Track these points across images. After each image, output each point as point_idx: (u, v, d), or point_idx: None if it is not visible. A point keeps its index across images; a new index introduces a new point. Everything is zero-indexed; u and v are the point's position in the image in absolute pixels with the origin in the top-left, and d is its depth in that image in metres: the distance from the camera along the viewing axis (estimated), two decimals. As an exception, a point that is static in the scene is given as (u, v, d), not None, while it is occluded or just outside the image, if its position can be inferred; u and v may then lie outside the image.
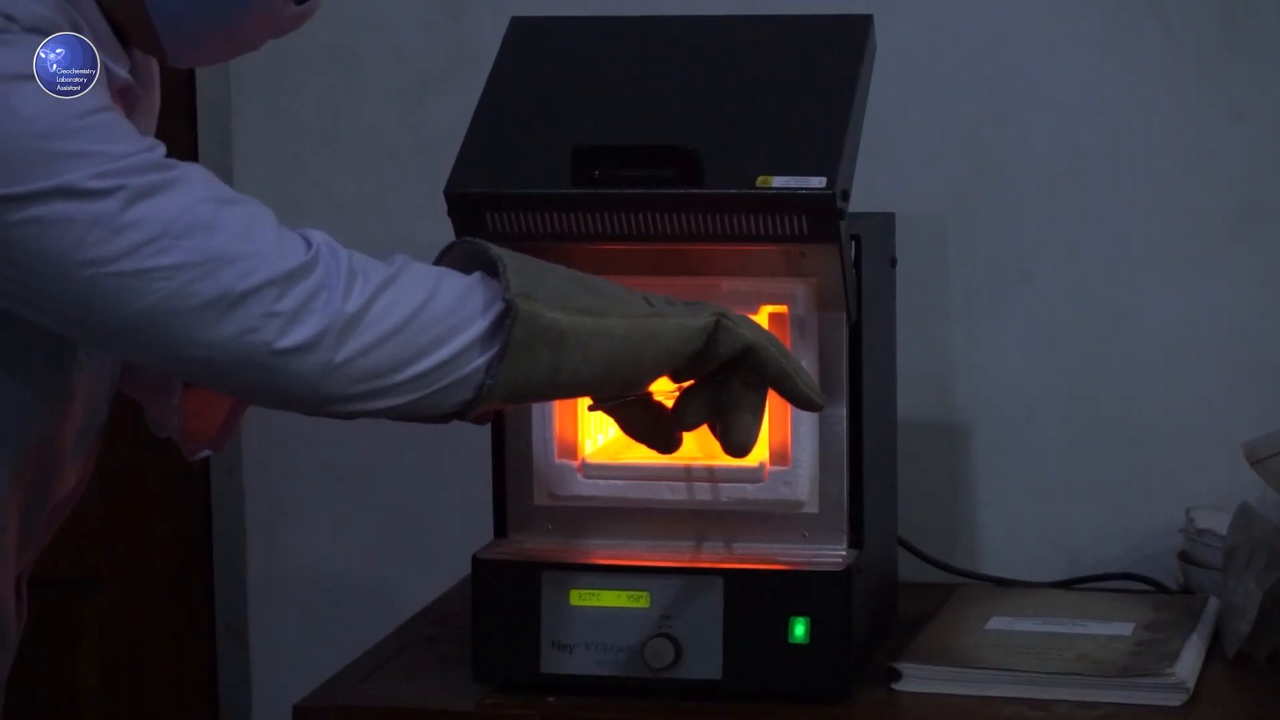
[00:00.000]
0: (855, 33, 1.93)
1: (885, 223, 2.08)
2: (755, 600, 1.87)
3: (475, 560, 1.92)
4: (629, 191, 1.84)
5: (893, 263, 2.10)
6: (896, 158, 2.28)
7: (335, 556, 2.47)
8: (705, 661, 1.87)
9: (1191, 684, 1.88)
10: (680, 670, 1.87)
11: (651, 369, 1.66)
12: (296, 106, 2.46)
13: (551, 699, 1.89)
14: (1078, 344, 2.31)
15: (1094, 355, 2.31)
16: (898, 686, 1.90)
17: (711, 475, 1.93)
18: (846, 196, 1.83)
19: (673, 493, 1.93)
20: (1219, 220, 2.28)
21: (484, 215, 1.87)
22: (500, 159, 1.88)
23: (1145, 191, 2.29)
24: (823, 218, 1.81)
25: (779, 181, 1.81)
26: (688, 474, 1.94)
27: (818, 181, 1.81)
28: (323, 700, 1.93)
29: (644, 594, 1.88)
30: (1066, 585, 2.25)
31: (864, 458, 1.92)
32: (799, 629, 1.86)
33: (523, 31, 1.99)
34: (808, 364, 1.89)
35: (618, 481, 1.94)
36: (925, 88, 2.31)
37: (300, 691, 1.94)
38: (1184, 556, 2.19)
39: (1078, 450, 2.31)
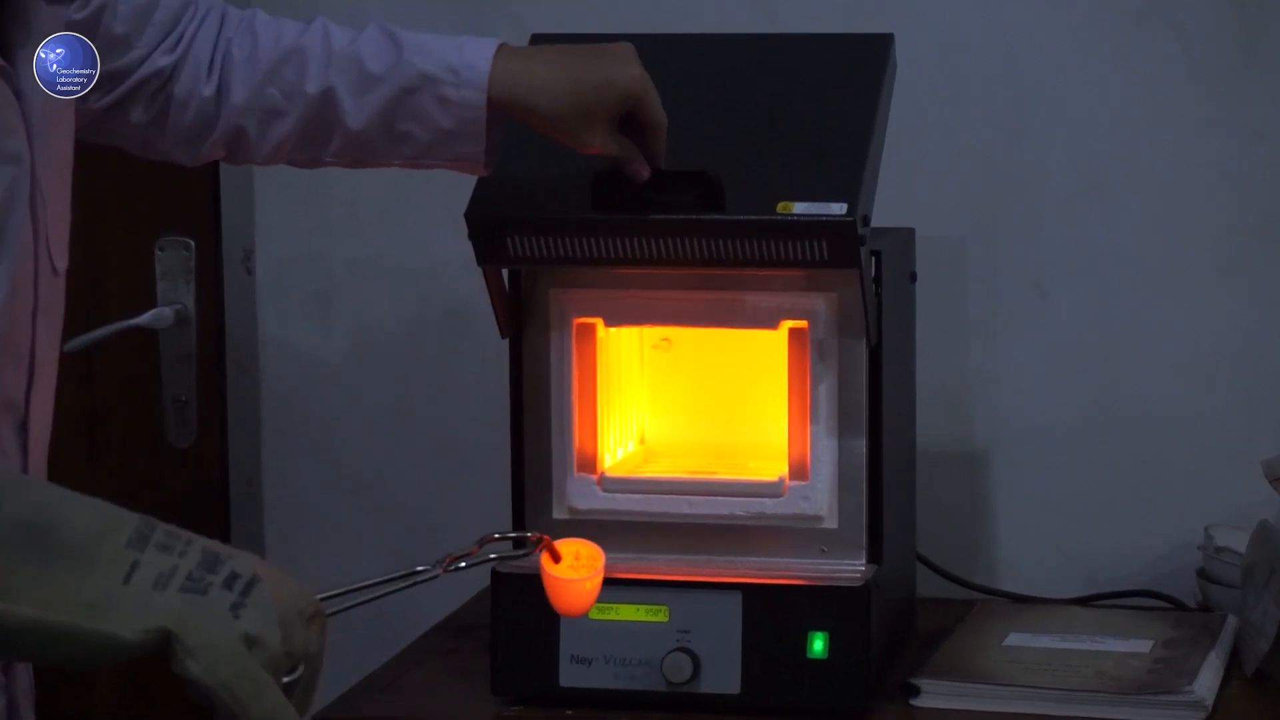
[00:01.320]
0: (876, 52, 1.93)
1: (905, 238, 2.09)
2: (774, 615, 1.87)
3: (494, 573, 1.93)
4: (650, 217, 1.84)
5: (913, 278, 2.10)
6: (914, 174, 2.29)
7: (353, 568, 2.45)
8: (724, 676, 1.87)
9: (1210, 702, 1.88)
10: (699, 684, 1.88)
11: (81, 665, 1.29)
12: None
13: (570, 712, 1.90)
14: (1095, 360, 2.31)
15: (1112, 371, 2.31)
16: (916, 702, 1.90)
17: (730, 490, 1.94)
18: (867, 221, 1.83)
19: (692, 507, 1.94)
20: (1236, 237, 2.28)
21: (505, 239, 1.87)
22: (521, 181, 1.89)
23: (1162, 208, 2.29)
24: (843, 243, 1.82)
25: (800, 208, 1.82)
26: (707, 488, 1.94)
27: (838, 207, 1.81)
28: (341, 712, 1.93)
29: (663, 608, 1.89)
30: (1084, 602, 2.25)
31: (883, 472, 1.92)
32: (818, 644, 1.86)
33: None
34: (827, 385, 1.90)
35: (637, 495, 1.94)
36: (943, 104, 2.31)
37: (318, 703, 1.94)
38: (1203, 574, 2.19)
39: (1095, 466, 2.31)
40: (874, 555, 1.92)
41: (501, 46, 1.78)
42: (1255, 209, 2.27)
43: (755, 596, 1.87)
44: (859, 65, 1.92)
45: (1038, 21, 2.30)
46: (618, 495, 1.94)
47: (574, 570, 1.61)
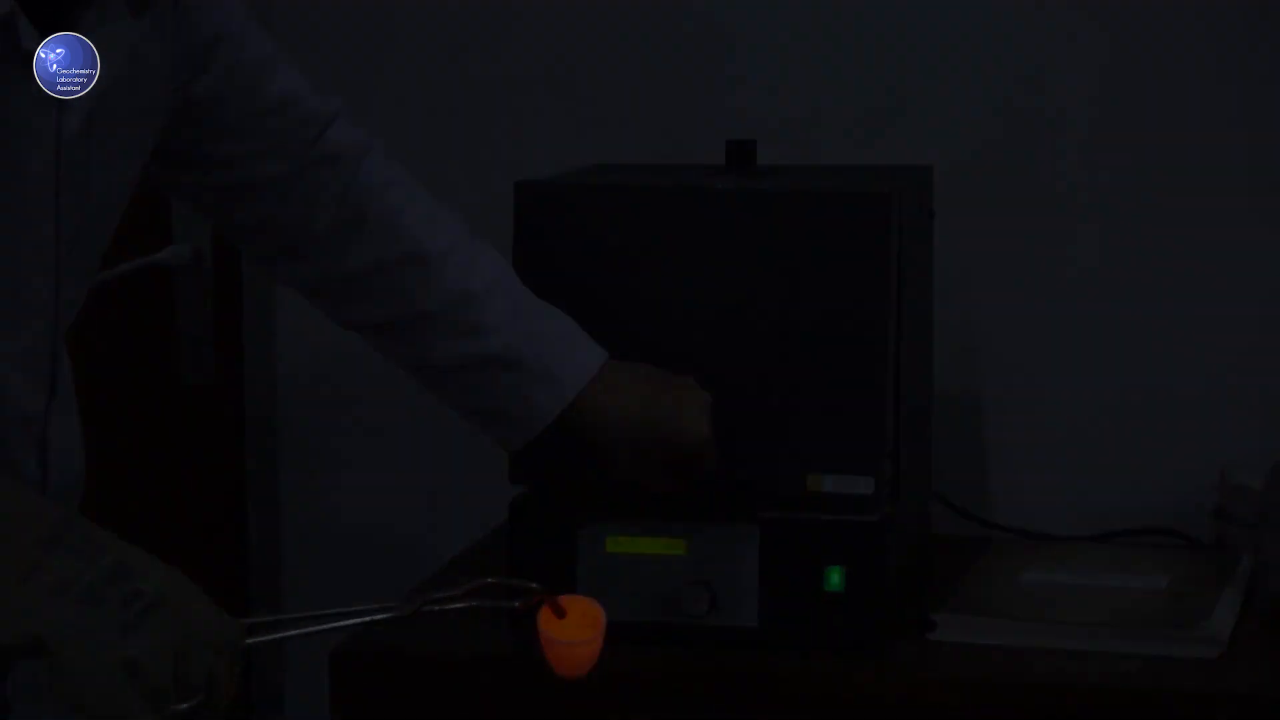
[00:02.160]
0: (874, 224, 1.86)
1: (923, 176, 2.09)
2: (791, 549, 1.87)
3: (512, 507, 1.93)
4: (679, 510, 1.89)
5: (930, 215, 2.10)
6: (933, 113, 2.29)
7: (371, 508, 2.48)
8: (741, 609, 1.88)
9: (1225, 637, 1.88)
10: (716, 618, 1.88)
11: None
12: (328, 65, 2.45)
13: (587, 645, 1.90)
14: (1114, 302, 2.31)
15: (1129, 312, 2.30)
16: (932, 636, 1.91)
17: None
18: (891, 461, 1.88)
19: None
20: (1260, 179, 2.28)
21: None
22: (553, 455, 1.87)
23: (1184, 152, 2.29)
24: (869, 511, 1.88)
25: (829, 484, 1.86)
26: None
27: (865, 484, 1.85)
28: (358, 645, 1.94)
29: (680, 541, 1.89)
30: (1100, 539, 2.25)
31: (900, 409, 1.92)
32: (835, 578, 1.86)
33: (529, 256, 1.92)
34: None
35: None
36: (962, 44, 2.31)
37: (337, 635, 1.95)
38: (1219, 513, 2.19)
39: (1112, 406, 2.31)
40: (892, 491, 1.92)
41: (602, 369, 1.81)
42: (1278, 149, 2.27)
43: (773, 530, 1.88)
44: (855, 246, 1.87)
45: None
46: (636, 429, 1.95)
47: (579, 629, 1.50)
